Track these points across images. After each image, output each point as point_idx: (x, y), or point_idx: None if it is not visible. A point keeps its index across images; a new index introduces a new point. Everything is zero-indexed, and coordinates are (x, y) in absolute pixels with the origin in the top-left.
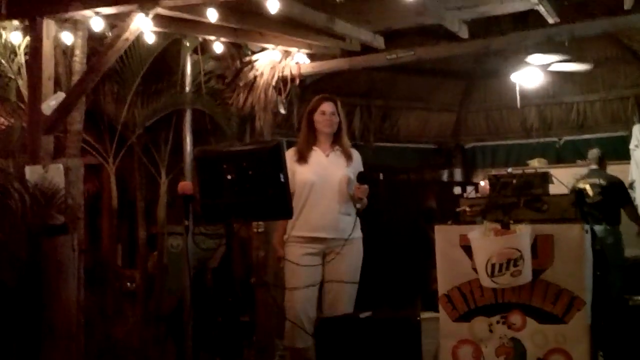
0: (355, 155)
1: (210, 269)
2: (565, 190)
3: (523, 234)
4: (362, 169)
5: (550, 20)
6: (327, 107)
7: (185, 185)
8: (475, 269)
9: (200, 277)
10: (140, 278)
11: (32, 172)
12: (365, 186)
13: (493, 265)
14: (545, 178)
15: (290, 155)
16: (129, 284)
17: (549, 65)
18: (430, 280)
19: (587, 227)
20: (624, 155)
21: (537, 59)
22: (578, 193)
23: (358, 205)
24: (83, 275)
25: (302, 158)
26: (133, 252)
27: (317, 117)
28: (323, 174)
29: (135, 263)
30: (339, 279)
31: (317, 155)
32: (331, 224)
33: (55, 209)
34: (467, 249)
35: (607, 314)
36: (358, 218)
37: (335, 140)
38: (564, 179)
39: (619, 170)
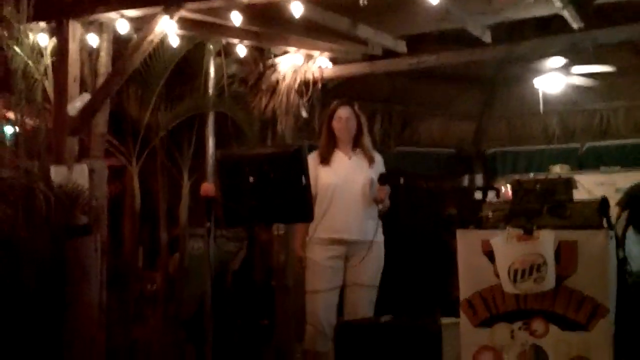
0: (378, 157)
1: (230, 271)
2: (588, 197)
3: (546, 240)
4: (384, 171)
5: (575, 26)
6: (342, 112)
7: (208, 188)
8: (497, 275)
9: (220, 280)
10: (161, 280)
11: (56, 173)
12: (387, 187)
13: (516, 271)
14: (569, 184)
15: (313, 158)
16: (149, 286)
17: (570, 67)
18: (450, 287)
19: (611, 233)
20: None
21: (559, 62)
22: (603, 200)
23: (380, 207)
24: (105, 277)
25: (325, 161)
26: (155, 254)
27: (335, 123)
28: (345, 177)
29: (156, 265)
30: (360, 282)
31: (340, 158)
32: (354, 226)
33: (79, 209)
34: (490, 255)
35: (631, 323)
36: (380, 221)
37: (357, 143)
38: (586, 185)
39: None
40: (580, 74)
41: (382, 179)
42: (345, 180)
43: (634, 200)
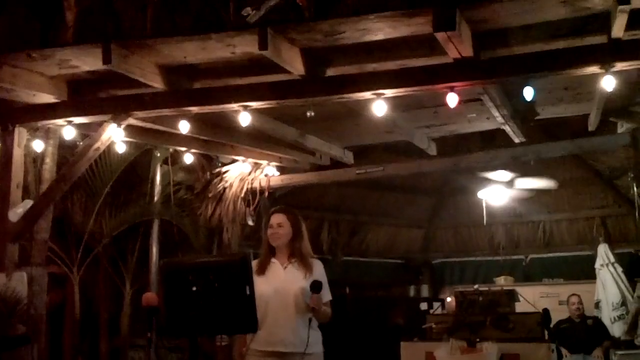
0: (317, 266)
1: None
2: (532, 309)
3: (490, 354)
4: (324, 280)
5: (517, 140)
6: (273, 219)
7: (150, 297)
8: None
9: None
10: None
11: None
12: (318, 295)
13: None
14: (512, 296)
15: (253, 267)
16: None
17: (514, 182)
18: None
19: (553, 346)
20: (590, 275)
21: (503, 176)
22: (545, 312)
23: (310, 316)
24: None
25: (261, 271)
26: None
27: (268, 230)
28: (279, 287)
29: None
30: None
31: (275, 267)
32: (288, 338)
33: (17, 319)
34: None
35: None
36: (319, 332)
37: (293, 250)
38: (530, 297)
39: (585, 289)
40: (523, 188)
41: (314, 287)
42: (277, 291)
43: None
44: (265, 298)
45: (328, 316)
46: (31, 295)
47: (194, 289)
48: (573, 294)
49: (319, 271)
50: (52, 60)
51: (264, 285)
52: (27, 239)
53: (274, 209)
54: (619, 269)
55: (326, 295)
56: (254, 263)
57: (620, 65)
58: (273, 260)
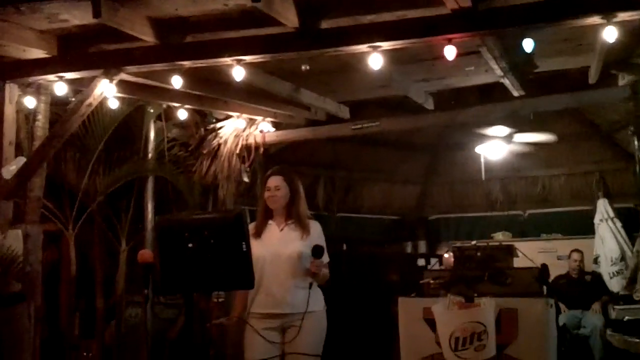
0: (315, 227)
1: (168, 340)
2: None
3: (487, 308)
4: (322, 241)
5: (515, 94)
6: (271, 181)
7: (145, 254)
8: (438, 343)
9: (158, 348)
10: (97, 349)
11: None
12: (320, 260)
13: (457, 339)
14: (510, 251)
15: (250, 229)
16: (85, 354)
17: (512, 136)
18: (394, 355)
19: (551, 301)
20: (588, 230)
21: (501, 131)
22: (543, 267)
23: (310, 281)
24: (39, 346)
25: (257, 233)
26: (92, 322)
27: (265, 193)
28: (274, 250)
29: (93, 333)
30: (300, 351)
31: (271, 229)
32: (286, 299)
33: (13, 276)
34: (431, 323)
35: None
36: (319, 290)
37: (290, 212)
38: (528, 252)
39: (584, 244)
40: (521, 142)
41: (316, 252)
42: (273, 254)
43: None
44: (262, 261)
45: (327, 278)
46: (26, 253)
47: (190, 245)
48: (575, 250)
49: (316, 233)
50: (41, 14)
51: (260, 248)
52: (21, 196)
53: (270, 171)
54: (619, 224)
55: (325, 257)
56: (251, 226)
57: (622, 16)
58: (270, 222)
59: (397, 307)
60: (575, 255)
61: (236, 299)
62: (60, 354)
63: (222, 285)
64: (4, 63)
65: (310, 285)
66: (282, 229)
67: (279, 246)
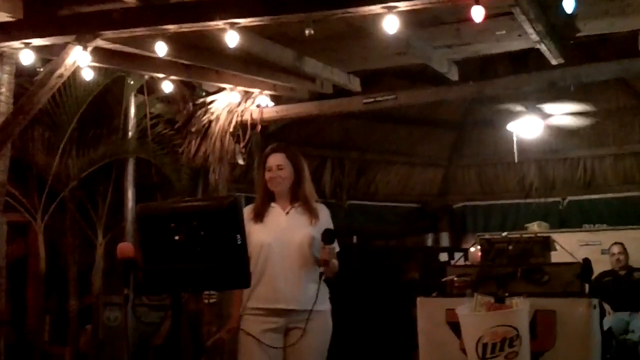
0: (323, 211)
1: (152, 347)
2: (570, 259)
3: (520, 310)
4: (329, 227)
5: (554, 62)
6: (273, 160)
7: (126, 248)
8: (464, 350)
9: (141, 356)
10: (70, 356)
11: None
12: (332, 246)
13: (485, 346)
14: (547, 245)
15: (246, 213)
16: None
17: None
18: None
19: (594, 302)
20: (638, 220)
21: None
22: (585, 263)
23: (321, 270)
24: (4, 352)
25: (259, 217)
26: (64, 326)
27: (265, 173)
28: (280, 235)
29: (65, 339)
30: (304, 358)
31: (276, 213)
32: (292, 293)
33: None
34: (455, 327)
35: None
36: (326, 287)
37: (295, 194)
38: (567, 246)
39: (632, 236)
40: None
41: (326, 237)
42: (279, 240)
43: None
44: (265, 248)
45: (336, 270)
46: None
47: (176, 238)
48: (615, 243)
49: (325, 217)
50: None
51: (262, 234)
52: None
53: (270, 148)
54: None
55: (335, 245)
56: (249, 209)
57: None
58: (272, 204)
59: (416, 309)
60: (615, 249)
61: (233, 304)
62: None
63: (213, 284)
64: None
65: (321, 276)
66: (287, 213)
67: (287, 232)
